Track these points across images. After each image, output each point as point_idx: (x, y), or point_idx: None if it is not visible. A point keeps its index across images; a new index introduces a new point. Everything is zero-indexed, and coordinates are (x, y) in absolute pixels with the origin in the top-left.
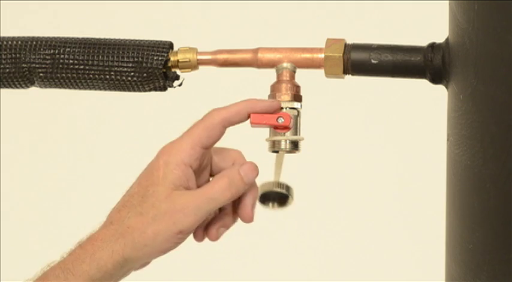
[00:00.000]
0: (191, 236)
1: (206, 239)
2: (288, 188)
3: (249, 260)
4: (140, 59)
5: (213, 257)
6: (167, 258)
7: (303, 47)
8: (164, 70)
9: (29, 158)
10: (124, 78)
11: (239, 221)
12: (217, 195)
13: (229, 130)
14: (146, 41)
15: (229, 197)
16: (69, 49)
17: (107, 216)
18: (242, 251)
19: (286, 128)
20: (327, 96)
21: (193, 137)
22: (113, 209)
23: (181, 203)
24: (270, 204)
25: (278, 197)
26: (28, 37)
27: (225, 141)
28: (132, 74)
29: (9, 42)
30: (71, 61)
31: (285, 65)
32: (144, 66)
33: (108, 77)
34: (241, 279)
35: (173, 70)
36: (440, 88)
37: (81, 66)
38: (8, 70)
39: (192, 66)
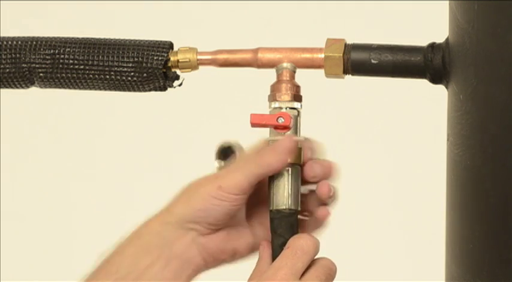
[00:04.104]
0: None
1: None
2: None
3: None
4: (140, 59)
5: None
6: None
7: (303, 47)
8: (164, 70)
9: (29, 158)
10: (124, 78)
11: None
12: (251, 165)
13: (229, 129)
14: (146, 41)
15: (262, 170)
16: (69, 49)
17: None
18: None
19: (286, 128)
20: (327, 96)
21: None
22: None
23: (229, 166)
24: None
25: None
26: (28, 37)
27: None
28: (132, 74)
29: (9, 42)
30: (71, 61)
31: (285, 65)
32: (144, 66)
33: (108, 77)
34: (241, 279)
35: (173, 70)
36: (440, 88)
37: (81, 66)
38: (8, 70)
39: (192, 66)
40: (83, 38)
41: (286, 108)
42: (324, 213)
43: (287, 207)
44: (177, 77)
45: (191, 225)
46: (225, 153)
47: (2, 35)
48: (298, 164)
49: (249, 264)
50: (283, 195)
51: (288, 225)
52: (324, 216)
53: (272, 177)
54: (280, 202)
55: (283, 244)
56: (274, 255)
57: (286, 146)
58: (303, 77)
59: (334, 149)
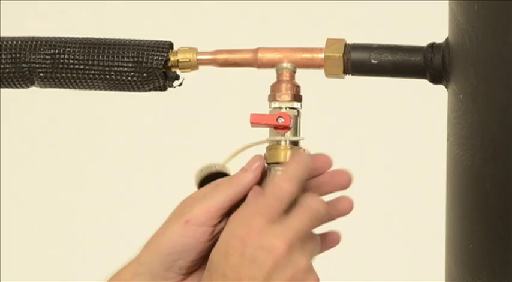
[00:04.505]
0: None
1: None
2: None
3: None
4: (140, 59)
5: None
6: None
7: (303, 47)
8: (164, 70)
9: (29, 158)
10: (124, 78)
11: None
12: (222, 187)
13: (229, 129)
14: (146, 41)
15: (234, 189)
16: (69, 49)
17: None
18: None
19: (286, 128)
20: (327, 96)
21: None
22: None
23: (190, 197)
24: None
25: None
26: (28, 37)
27: (225, 141)
28: (132, 74)
29: (9, 42)
30: (71, 61)
31: (285, 65)
32: (144, 66)
33: (108, 77)
34: None
35: (173, 70)
36: (440, 88)
37: (81, 66)
38: (8, 70)
39: (192, 66)
40: (83, 38)
41: (286, 108)
42: (335, 238)
43: None
44: (177, 77)
45: (163, 273)
46: (209, 180)
47: (2, 35)
48: None
49: None
50: None
51: None
52: (335, 241)
53: (262, 177)
54: None
55: None
56: None
57: (257, 164)
58: (303, 77)
59: (334, 149)
